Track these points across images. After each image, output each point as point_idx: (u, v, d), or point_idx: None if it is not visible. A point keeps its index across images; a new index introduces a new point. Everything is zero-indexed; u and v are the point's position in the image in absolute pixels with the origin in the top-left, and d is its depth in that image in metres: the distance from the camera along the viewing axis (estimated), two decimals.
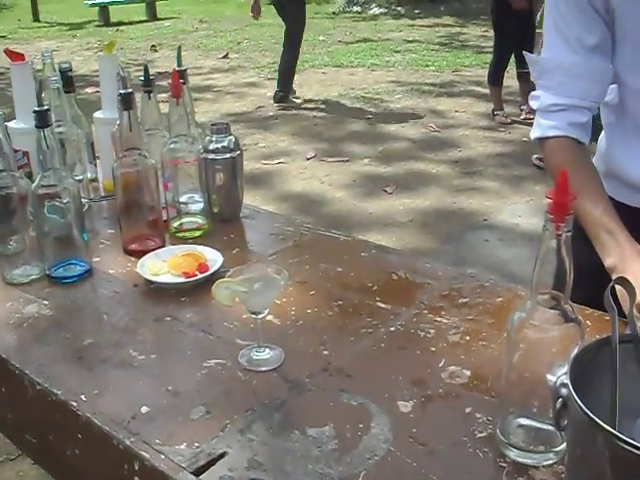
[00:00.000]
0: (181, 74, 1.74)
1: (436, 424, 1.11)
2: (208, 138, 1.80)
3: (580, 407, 0.74)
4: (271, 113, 7.48)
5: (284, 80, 7.71)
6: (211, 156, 1.78)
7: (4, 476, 2.52)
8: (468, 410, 1.13)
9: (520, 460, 1.02)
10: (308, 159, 5.98)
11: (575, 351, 0.83)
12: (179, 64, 1.79)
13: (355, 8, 15.62)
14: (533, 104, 1.47)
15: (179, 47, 1.90)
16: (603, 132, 1.54)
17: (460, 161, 5.77)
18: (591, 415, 0.73)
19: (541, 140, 1.46)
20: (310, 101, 7.90)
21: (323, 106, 7.65)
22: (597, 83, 1.41)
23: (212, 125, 1.80)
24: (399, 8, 14.97)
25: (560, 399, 0.79)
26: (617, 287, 0.96)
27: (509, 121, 6.74)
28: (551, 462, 1.01)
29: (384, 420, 1.11)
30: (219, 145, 1.79)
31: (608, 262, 1.28)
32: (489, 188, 5.15)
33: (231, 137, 1.80)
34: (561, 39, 1.40)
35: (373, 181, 5.44)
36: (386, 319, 1.39)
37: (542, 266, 0.92)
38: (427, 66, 9.66)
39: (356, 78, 9.02)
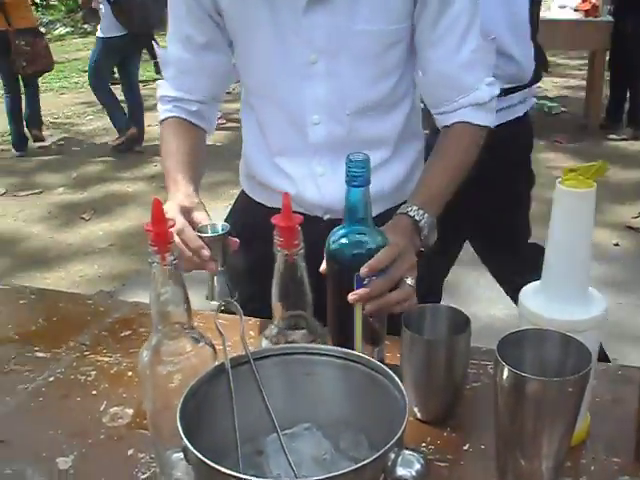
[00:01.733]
0: None
1: (97, 475, 1.05)
2: None
3: (191, 450, 0.72)
4: None
5: None
6: None
7: None
8: (130, 452, 1.09)
9: None
10: None
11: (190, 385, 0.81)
12: None
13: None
14: (158, 91, 1.52)
15: None
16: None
17: (157, 176, 5.66)
18: (200, 456, 0.70)
19: (161, 122, 1.50)
20: None
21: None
22: (206, 78, 1.48)
23: None
24: (85, 25, 14.52)
25: None
26: None
27: None
28: None
29: None
30: None
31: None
32: None
33: None
34: (176, 37, 1.46)
35: (70, 210, 5.23)
36: (45, 368, 1.30)
37: (159, 298, 0.89)
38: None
39: (43, 104, 8.61)
